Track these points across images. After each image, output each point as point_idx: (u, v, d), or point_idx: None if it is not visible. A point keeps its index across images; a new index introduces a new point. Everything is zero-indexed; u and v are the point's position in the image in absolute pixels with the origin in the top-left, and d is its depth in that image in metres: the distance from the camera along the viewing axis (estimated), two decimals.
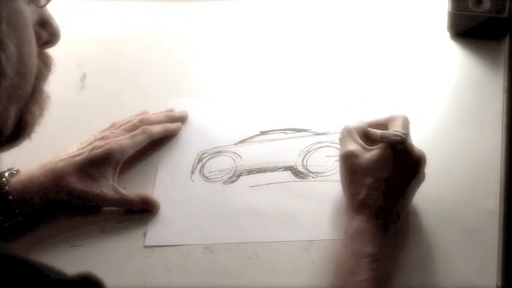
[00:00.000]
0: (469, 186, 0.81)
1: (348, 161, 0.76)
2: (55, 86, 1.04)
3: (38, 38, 0.59)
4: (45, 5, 0.59)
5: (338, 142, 0.87)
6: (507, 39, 0.95)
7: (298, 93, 0.96)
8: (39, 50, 0.59)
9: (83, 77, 1.05)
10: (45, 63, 0.61)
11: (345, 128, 0.80)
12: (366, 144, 0.77)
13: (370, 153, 0.76)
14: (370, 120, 0.81)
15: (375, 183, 0.74)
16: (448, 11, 0.96)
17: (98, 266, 0.80)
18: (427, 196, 0.80)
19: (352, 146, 0.77)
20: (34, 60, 0.57)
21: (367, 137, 0.79)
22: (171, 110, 0.96)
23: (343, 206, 0.78)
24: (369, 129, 0.79)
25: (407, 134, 0.76)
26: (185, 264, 0.79)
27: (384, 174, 0.74)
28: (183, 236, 0.82)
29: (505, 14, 0.92)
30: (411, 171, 0.75)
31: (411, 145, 0.75)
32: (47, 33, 0.61)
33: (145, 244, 0.82)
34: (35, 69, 0.58)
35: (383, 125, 0.80)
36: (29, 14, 0.56)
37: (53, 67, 0.63)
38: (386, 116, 0.80)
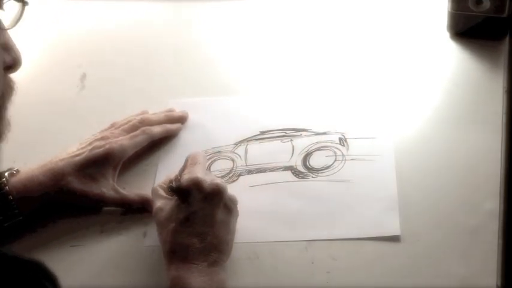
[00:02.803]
0: (469, 186, 0.81)
1: (156, 217, 0.77)
2: (55, 86, 1.05)
3: (2, 62, 0.60)
4: (9, 28, 0.59)
5: (338, 142, 0.88)
6: (507, 39, 0.95)
7: (298, 93, 0.96)
8: (3, 72, 0.61)
9: (83, 77, 1.05)
10: (9, 85, 0.62)
11: (151, 189, 0.81)
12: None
13: (171, 202, 0.76)
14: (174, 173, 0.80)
15: (176, 227, 0.74)
16: (448, 11, 0.96)
17: (98, 266, 0.80)
18: (427, 196, 0.81)
19: (158, 202, 0.78)
20: (0, 79, 0.58)
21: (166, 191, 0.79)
22: (171, 110, 0.96)
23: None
24: (167, 181, 0.80)
25: (189, 178, 0.75)
26: None
27: (181, 216, 0.74)
28: None
29: (505, 14, 0.92)
30: (211, 203, 0.74)
31: (198, 178, 0.75)
32: (9, 57, 0.62)
33: (146, 244, 0.82)
34: (1, 89, 0.59)
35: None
36: None
37: (15, 90, 0.64)
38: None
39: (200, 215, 0.74)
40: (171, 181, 0.78)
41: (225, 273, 0.74)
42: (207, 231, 0.74)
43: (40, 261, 0.53)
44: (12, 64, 0.63)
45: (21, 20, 0.61)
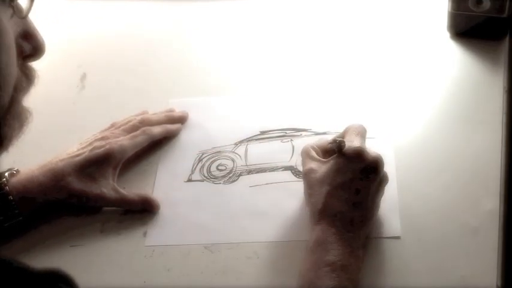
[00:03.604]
0: (469, 186, 0.81)
1: (307, 177, 0.78)
2: (55, 86, 1.05)
3: (21, 51, 0.58)
4: (26, 16, 0.58)
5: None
6: (507, 39, 0.95)
7: (297, 93, 0.96)
8: (21, 62, 0.59)
9: (83, 77, 1.05)
10: (26, 76, 0.60)
11: (303, 148, 0.81)
12: (324, 157, 0.79)
13: (325, 165, 0.76)
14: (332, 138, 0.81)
15: (331, 190, 0.74)
16: (448, 11, 0.96)
17: (98, 266, 0.81)
18: (427, 196, 0.81)
19: (310, 163, 0.78)
20: (12, 70, 0.56)
21: (324, 152, 0.80)
22: (171, 110, 0.96)
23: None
24: (323, 140, 0.81)
25: (355, 146, 0.75)
26: (185, 264, 0.79)
27: (338, 181, 0.74)
28: (183, 236, 0.82)
29: (505, 14, 0.92)
30: (367, 174, 0.74)
31: (363, 149, 0.75)
32: (30, 46, 0.60)
33: (146, 244, 0.82)
34: (13, 80, 0.57)
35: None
36: (6, 24, 0.55)
37: (36, 80, 0.62)
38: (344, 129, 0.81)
39: (356, 183, 0.74)
40: (331, 142, 0.77)
41: (365, 249, 0.74)
42: (360, 202, 0.74)
43: (56, 270, 0.52)
44: (33, 53, 0.61)
45: (33, 7, 0.59)
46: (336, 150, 0.76)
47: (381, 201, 0.78)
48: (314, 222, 0.75)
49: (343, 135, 0.80)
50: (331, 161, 0.76)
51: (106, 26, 1.14)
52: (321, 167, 0.77)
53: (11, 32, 0.56)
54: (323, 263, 0.70)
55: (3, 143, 0.59)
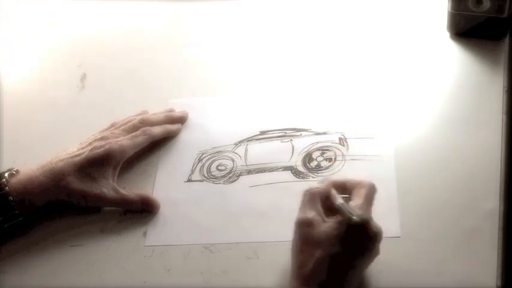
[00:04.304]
0: (469, 186, 0.81)
1: (303, 229, 0.71)
2: (55, 86, 1.05)
3: None
4: None
5: (338, 142, 0.87)
6: (507, 39, 0.95)
7: (297, 93, 0.96)
8: None
9: (83, 77, 1.05)
10: None
11: (308, 191, 0.74)
12: (325, 212, 0.72)
13: (326, 225, 0.70)
14: (338, 180, 0.76)
15: (324, 257, 0.69)
16: (448, 11, 0.96)
17: (97, 265, 0.81)
18: (427, 196, 0.81)
19: (311, 214, 0.71)
20: None
21: (328, 202, 0.73)
22: (171, 110, 0.96)
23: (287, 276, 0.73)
24: (332, 192, 0.74)
25: (363, 218, 0.69)
26: (185, 264, 0.79)
27: (334, 250, 0.69)
28: (183, 236, 0.82)
29: (505, 14, 0.92)
30: (364, 247, 0.70)
31: (369, 220, 0.70)
32: None
33: (146, 244, 0.82)
34: None
35: (349, 189, 0.75)
36: None
37: None
38: (356, 179, 0.75)
39: (355, 259, 0.70)
40: (339, 204, 0.71)
41: None
42: (351, 277, 0.70)
43: None
44: None
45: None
46: (341, 214, 0.70)
47: (381, 201, 0.76)
48: (298, 285, 0.69)
49: (351, 187, 0.74)
50: (332, 224, 0.70)
51: (106, 26, 1.14)
52: (320, 225, 0.70)
53: None
54: None
55: None
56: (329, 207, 0.73)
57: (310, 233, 0.70)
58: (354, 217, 0.69)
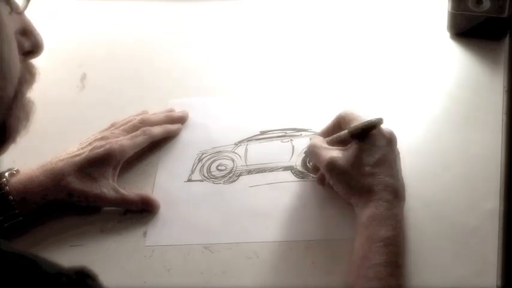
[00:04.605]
0: (469, 186, 0.81)
1: (335, 165, 0.78)
2: (55, 86, 1.05)
3: (21, 47, 0.59)
4: (23, 11, 0.59)
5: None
6: (507, 39, 0.95)
7: (298, 93, 0.96)
8: (22, 58, 0.59)
9: (83, 77, 1.05)
10: (29, 71, 0.61)
11: (309, 146, 0.83)
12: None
13: (350, 150, 0.78)
14: (321, 131, 0.86)
15: (371, 169, 0.76)
16: (448, 11, 0.96)
17: (97, 265, 0.80)
18: (427, 196, 0.81)
19: (329, 153, 0.79)
20: (15, 63, 0.57)
21: (332, 144, 0.82)
22: (171, 110, 0.96)
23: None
24: (334, 136, 0.83)
25: (375, 118, 0.79)
26: (185, 264, 0.79)
27: (373, 158, 0.77)
28: (183, 236, 0.82)
29: (505, 14, 0.92)
30: (390, 149, 0.78)
31: (380, 127, 0.79)
32: (29, 42, 0.61)
33: (146, 244, 0.82)
34: (17, 73, 0.58)
35: (335, 127, 0.84)
36: (7, 19, 0.55)
37: (37, 76, 0.63)
38: (333, 119, 0.85)
39: (388, 158, 0.77)
40: (353, 129, 0.79)
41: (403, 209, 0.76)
42: (394, 173, 0.77)
43: (83, 267, 0.53)
44: (32, 49, 0.61)
45: (30, 4, 0.60)
46: (361, 135, 0.78)
47: None
48: (364, 201, 0.75)
49: (343, 122, 0.82)
50: (355, 146, 0.78)
51: (106, 26, 1.14)
52: (344, 154, 0.78)
53: (11, 27, 0.56)
54: (377, 238, 0.72)
55: (11, 134, 0.60)
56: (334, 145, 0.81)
57: (342, 164, 0.77)
58: (372, 119, 0.78)
